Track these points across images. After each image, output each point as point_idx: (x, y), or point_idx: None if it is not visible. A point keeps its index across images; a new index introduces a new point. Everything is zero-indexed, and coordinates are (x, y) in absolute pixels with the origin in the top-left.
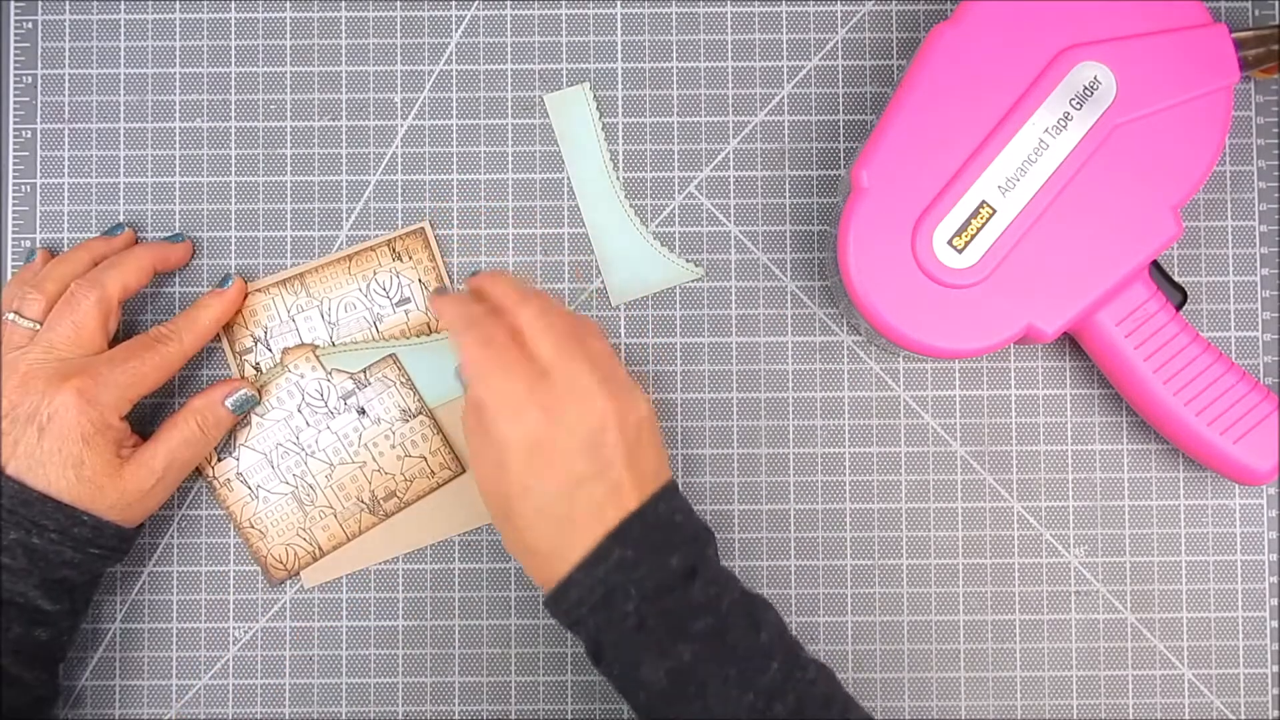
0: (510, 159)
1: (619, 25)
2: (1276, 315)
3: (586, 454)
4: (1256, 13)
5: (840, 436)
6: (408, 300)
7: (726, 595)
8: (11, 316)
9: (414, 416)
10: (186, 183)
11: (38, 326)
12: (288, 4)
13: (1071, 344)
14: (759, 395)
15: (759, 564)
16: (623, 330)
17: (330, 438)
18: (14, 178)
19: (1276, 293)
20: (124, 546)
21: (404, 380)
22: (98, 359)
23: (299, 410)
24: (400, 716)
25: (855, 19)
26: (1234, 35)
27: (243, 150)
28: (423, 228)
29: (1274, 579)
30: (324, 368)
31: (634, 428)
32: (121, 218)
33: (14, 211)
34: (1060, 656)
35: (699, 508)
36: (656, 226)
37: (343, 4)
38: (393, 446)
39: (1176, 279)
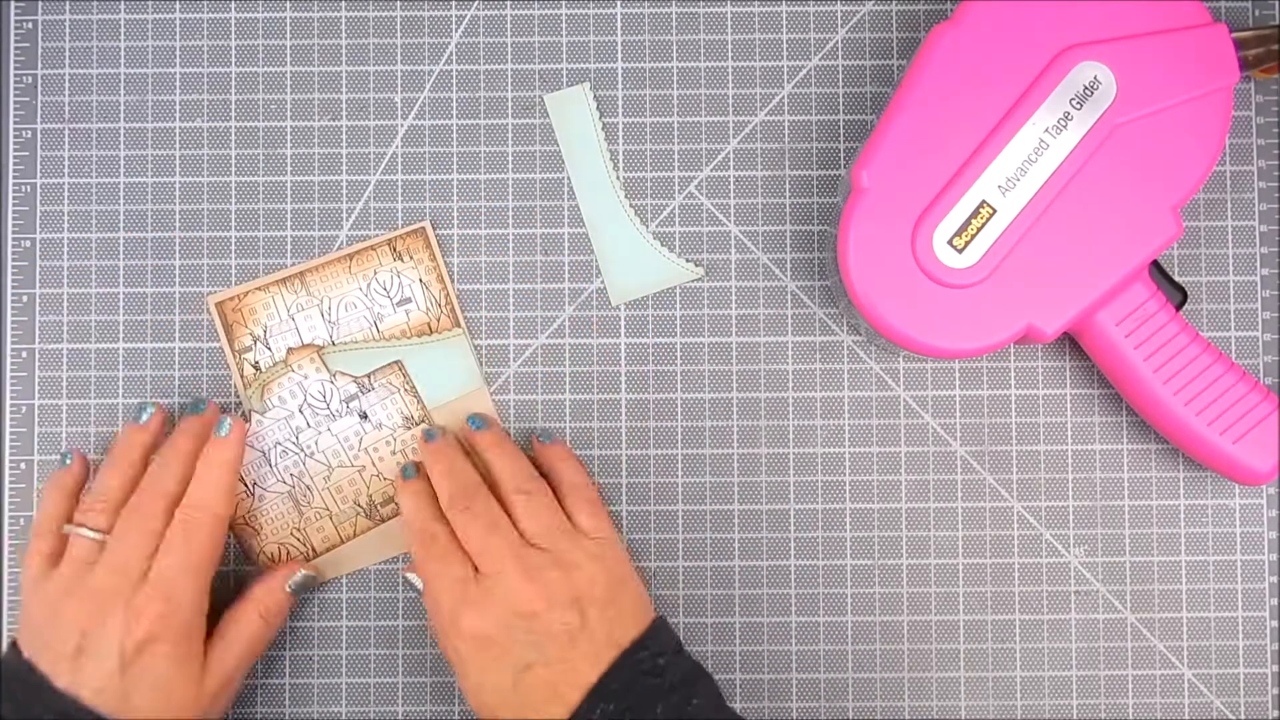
0: (510, 159)
1: (619, 25)
2: (1276, 315)
3: (522, 642)
4: (1256, 13)
5: (840, 436)
6: (408, 300)
7: None
8: (81, 531)
9: (416, 424)
10: (186, 183)
11: (104, 538)
12: (288, 4)
13: (1071, 344)
14: (759, 395)
15: (759, 564)
16: (623, 330)
17: (330, 440)
18: (14, 178)
19: (1276, 293)
20: None
21: (408, 387)
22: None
23: (300, 411)
24: (400, 716)
25: (855, 19)
26: (1234, 35)
27: (243, 150)
28: (423, 227)
29: (1274, 579)
30: (328, 369)
31: (577, 600)
32: (121, 218)
33: (14, 211)
34: (1060, 656)
35: (699, 508)
36: (656, 226)
37: (343, 4)
38: (393, 452)
39: (1176, 279)
